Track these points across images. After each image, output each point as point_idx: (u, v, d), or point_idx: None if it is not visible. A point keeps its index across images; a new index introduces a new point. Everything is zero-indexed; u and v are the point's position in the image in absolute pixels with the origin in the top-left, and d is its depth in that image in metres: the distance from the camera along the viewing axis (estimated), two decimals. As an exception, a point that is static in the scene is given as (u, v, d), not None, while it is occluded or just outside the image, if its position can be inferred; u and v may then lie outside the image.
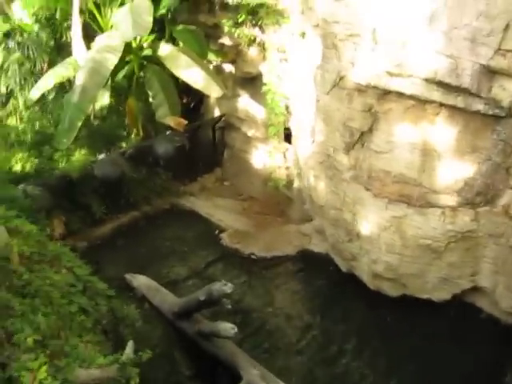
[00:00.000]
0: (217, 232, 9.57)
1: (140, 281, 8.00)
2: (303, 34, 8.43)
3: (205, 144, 11.36)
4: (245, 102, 10.65)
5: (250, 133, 10.69)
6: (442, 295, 7.18)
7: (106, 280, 7.41)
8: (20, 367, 2.54)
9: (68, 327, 3.62)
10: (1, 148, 8.50)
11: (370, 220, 7.23)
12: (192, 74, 8.54)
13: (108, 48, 7.99)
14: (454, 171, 6.68)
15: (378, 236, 7.19)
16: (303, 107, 8.49)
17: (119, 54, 8.05)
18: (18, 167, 8.28)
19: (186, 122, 9.09)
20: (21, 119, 9.47)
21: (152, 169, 10.19)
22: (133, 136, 9.82)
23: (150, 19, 7.75)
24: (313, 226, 8.96)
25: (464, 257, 6.86)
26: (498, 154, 6.39)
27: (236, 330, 5.93)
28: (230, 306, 6.32)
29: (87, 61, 8.01)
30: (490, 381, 6.28)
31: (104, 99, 9.67)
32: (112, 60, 7.88)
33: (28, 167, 8.37)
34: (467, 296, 7.27)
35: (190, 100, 11.79)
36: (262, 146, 10.58)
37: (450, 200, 6.78)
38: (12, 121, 9.34)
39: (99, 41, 8.27)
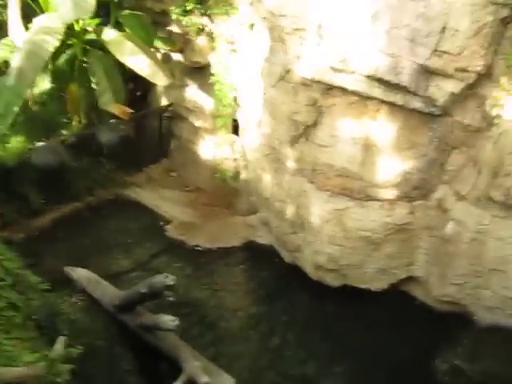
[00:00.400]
0: (162, 224, 9.46)
1: (80, 274, 7.77)
2: (252, 26, 8.44)
3: (151, 134, 11.14)
4: (193, 92, 10.51)
5: (198, 123, 10.58)
6: (380, 285, 7.49)
7: (44, 273, 7.26)
8: None
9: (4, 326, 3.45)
10: None
11: (313, 212, 7.40)
12: (137, 61, 8.30)
13: (47, 30, 7.61)
14: (393, 166, 6.96)
15: (320, 228, 7.37)
16: (251, 99, 8.52)
17: (60, 37, 7.69)
18: None
19: (130, 110, 8.84)
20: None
21: (95, 158, 9.87)
22: (74, 123, 9.45)
23: (93, 1, 7.43)
24: (258, 217, 9.03)
25: (401, 248, 7.20)
26: (433, 150, 6.73)
27: (177, 322, 5.87)
28: (172, 299, 6.21)
29: (25, 42, 7.60)
30: (423, 364, 6.57)
31: (44, 84, 9.20)
32: (52, 42, 7.51)
33: (-42, 154, 7.86)
34: (403, 285, 7.63)
35: (137, 88, 11.48)
36: (210, 137, 10.50)
37: (389, 194, 7.08)
38: None
39: (38, 22, 7.85)
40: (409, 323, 7.20)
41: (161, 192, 10.56)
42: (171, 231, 9.15)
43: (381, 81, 6.32)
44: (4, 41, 8.45)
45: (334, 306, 7.48)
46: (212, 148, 10.44)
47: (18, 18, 8.22)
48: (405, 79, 6.15)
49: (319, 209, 7.33)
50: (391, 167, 6.95)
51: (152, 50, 10.09)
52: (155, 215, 9.73)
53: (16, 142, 8.41)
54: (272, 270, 8.43)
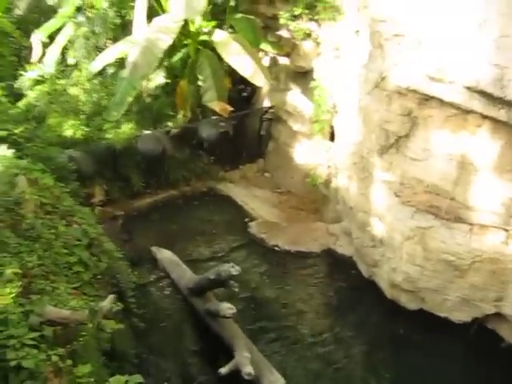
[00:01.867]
0: (247, 220, 9.70)
1: (163, 254, 8.32)
2: (357, 32, 8.33)
3: (250, 133, 11.50)
4: (295, 96, 10.67)
5: (296, 127, 10.70)
6: (462, 316, 6.88)
7: (134, 249, 8.23)
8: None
9: (62, 274, 3.91)
10: (57, 114, 9.09)
11: (395, 227, 7.04)
12: (241, 61, 8.71)
13: (163, 29, 8.33)
14: (492, 188, 6.35)
15: (400, 245, 6.99)
16: (348, 106, 8.38)
17: (173, 36, 8.36)
18: (68, 133, 8.87)
19: (230, 108, 9.28)
20: (81, 90, 10.06)
21: (195, 151, 10.47)
22: (180, 117, 10.10)
23: (203, 3, 7.95)
24: (341, 226, 8.85)
25: (489, 279, 6.51)
26: (539, 176, 6.01)
27: (234, 311, 6.05)
28: (236, 289, 6.47)
29: (142, 39, 8.40)
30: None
31: (159, 79, 10.05)
32: (165, 41, 8.21)
33: (78, 134, 8.93)
34: (489, 322, 6.92)
35: (245, 89, 12.02)
36: (306, 142, 10.56)
37: (482, 218, 6.46)
38: (74, 91, 9.92)
39: (156, 21, 8.64)
40: (490, 366, 6.46)
41: (252, 190, 10.88)
42: (254, 228, 9.33)
43: (482, 93, 5.81)
44: (129, 38, 9.40)
45: (406, 329, 7.02)
46: (307, 153, 10.49)
47: (142, 17, 9.10)
48: (510, 93, 5.58)
49: (401, 224, 6.95)
50: (489, 189, 6.34)
51: (260, 53, 10.60)
52: (242, 211, 10.05)
53: (127, 129, 9.27)
54: (347, 281, 8.18)
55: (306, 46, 9.84)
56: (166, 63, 9.94)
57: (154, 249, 8.49)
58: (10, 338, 2.51)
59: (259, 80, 8.73)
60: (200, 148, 10.54)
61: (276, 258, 8.73)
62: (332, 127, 9.61)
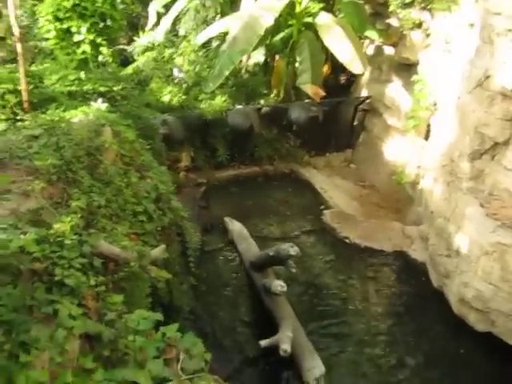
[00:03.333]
0: (322, 208, 9.67)
1: (235, 226, 8.62)
2: (471, 26, 7.77)
3: (343, 122, 11.33)
4: (395, 89, 10.27)
5: (391, 121, 10.34)
6: (535, 350, 6.25)
7: (209, 216, 8.79)
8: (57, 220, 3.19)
9: (126, 219, 4.29)
10: (159, 80, 9.77)
11: (474, 239, 6.53)
12: (340, 45, 8.56)
13: (267, 7, 8.46)
14: None
15: (476, 259, 6.47)
16: (447, 104, 7.93)
17: (276, 14, 8.45)
18: (166, 98, 9.45)
19: (323, 93, 9.22)
20: (186, 60, 10.61)
21: (282, 131, 10.61)
22: (272, 96, 10.28)
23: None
24: (418, 230, 8.42)
25: None
26: None
27: (284, 289, 6.14)
28: (294, 270, 6.54)
29: (245, 15, 8.63)
30: None
31: (258, 56, 10.32)
32: (267, 18, 8.33)
33: (175, 101, 9.48)
34: None
35: (346, 76, 11.85)
36: (399, 138, 10.16)
37: None
38: (179, 60, 10.55)
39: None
40: None
41: (334, 179, 10.77)
42: (328, 216, 9.26)
43: None
44: (235, 13, 9.71)
45: (468, 350, 6.54)
46: (398, 149, 10.10)
47: (251, -6, 9.36)
48: None
49: (481, 237, 6.41)
50: None
51: (366, 41, 10.37)
52: (319, 198, 10.04)
53: (220, 101, 9.64)
54: (414, 287, 7.78)
55: (415, 36, 9.38)
56: (267, 41, 10.07)
57: (227, 219, 8.83)
58: (61, 259, 2.83)
59: (356, 67, 8.53)
60: (288, 129, 10.64)
61: (344, 250, 8.59)
62: (429, 125, 9.15)
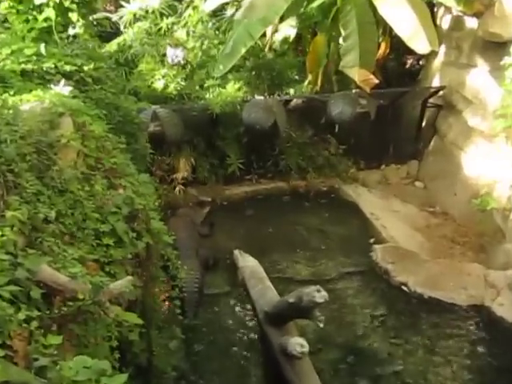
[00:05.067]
0: (372, 241, 9.60)
1: (247, 262, 8.59)
2: None
3: (405, 122, 11.42)
4: (479, 77, 10.20)
5: (474, 122, 10.26)
6: None
7: (213, 247, 8.97)
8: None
9: (85, 241, 4.29)
10: (152, 59, 10.04)
11: None
12: (399, 15, 8.54)
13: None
14: None
15: None
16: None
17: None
18: (159, 84, 9.66)
19: (376, 80, 9.23)
20: (191, 33, 10.83)
21: (320, 133, 10.62)
22: (306, 84, 10.34)
23: None
24: (507, 277, 8.25)
25: None
26: None
27: (305, 349, 6.12)
28: (322, 324, 6.53)
29: (269, -27, 8.75)
30: None
31: (287, 30, 10.47)
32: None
33: (171, 88, 9.67)
34: None
35: (409, 58, 11.94)
36: (485, 145, 10.04)
37: None
38: (181, 33, 10.67)
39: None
40: None
41: (392, 202, 10.74)
42: (379, 253, 9.15)
43: None
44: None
45: None
46: (484, 161, 10.00)
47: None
48: None
49: None
50: None
51: (441, 9, 10.66)
52: (368, 227, 9.94)
53: (233, 89, 9.78)
54: (504, 360, 7.50)
55: (508, 4, 9.40)
56: (301, 10, 10.19)
57: (237, 252, 8.85)
58: (-16, 283, 2.87)
59: (420, 45, 8.52)
60: (328, 130, 10.67)
61: (401, 302, 8.47)
62: (527, 129, 9.09)
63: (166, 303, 6.21)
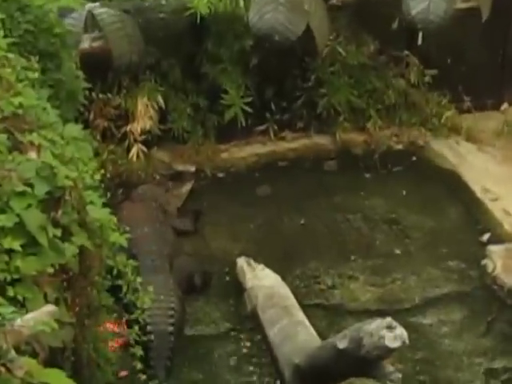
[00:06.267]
0: (485, 238, 8.63)
1: (262, 280, 7.98)
2: None
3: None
4: None
5: None
6: None
7: (200, 250, 8.58)
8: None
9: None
10: None
11: None
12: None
13: None
14: None
15: None
16: None
17: None
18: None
19: None
20: None
21: (390, 48, 9.61)
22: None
23: None
24: None
25: None
26: None
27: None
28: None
29: None
30: None
31: None
32: None
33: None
34: None
35: None
36: None
37: None
38: None
39: None
40: None
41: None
42: (498, 260, 8.23)
43: None
44: None
45: None
46: None
47: None
48: None
49: None
50: None
51: None
52: (478, 215, 9.08)
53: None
54: None
55: None
56: None
57: (241, 262, 8.13)
58: None
59: None
60: (405, 43, 9.69)
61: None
62: None
63: (119, 353, 5.93)
